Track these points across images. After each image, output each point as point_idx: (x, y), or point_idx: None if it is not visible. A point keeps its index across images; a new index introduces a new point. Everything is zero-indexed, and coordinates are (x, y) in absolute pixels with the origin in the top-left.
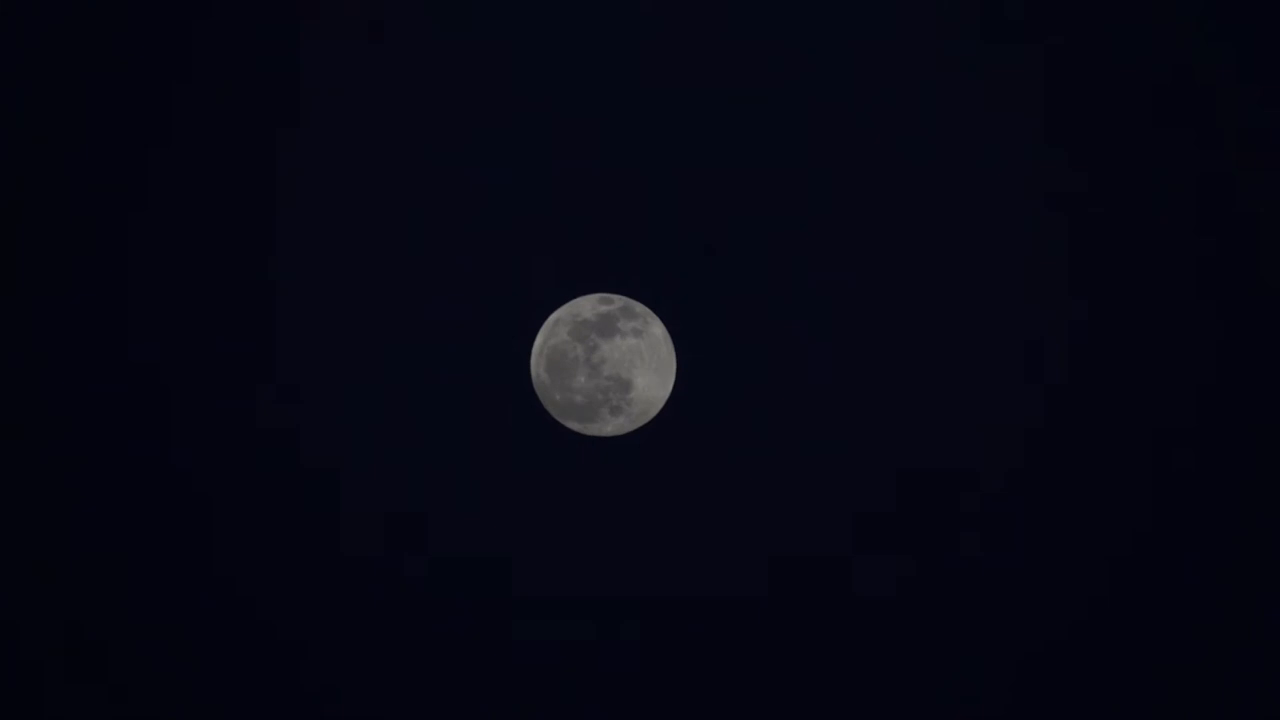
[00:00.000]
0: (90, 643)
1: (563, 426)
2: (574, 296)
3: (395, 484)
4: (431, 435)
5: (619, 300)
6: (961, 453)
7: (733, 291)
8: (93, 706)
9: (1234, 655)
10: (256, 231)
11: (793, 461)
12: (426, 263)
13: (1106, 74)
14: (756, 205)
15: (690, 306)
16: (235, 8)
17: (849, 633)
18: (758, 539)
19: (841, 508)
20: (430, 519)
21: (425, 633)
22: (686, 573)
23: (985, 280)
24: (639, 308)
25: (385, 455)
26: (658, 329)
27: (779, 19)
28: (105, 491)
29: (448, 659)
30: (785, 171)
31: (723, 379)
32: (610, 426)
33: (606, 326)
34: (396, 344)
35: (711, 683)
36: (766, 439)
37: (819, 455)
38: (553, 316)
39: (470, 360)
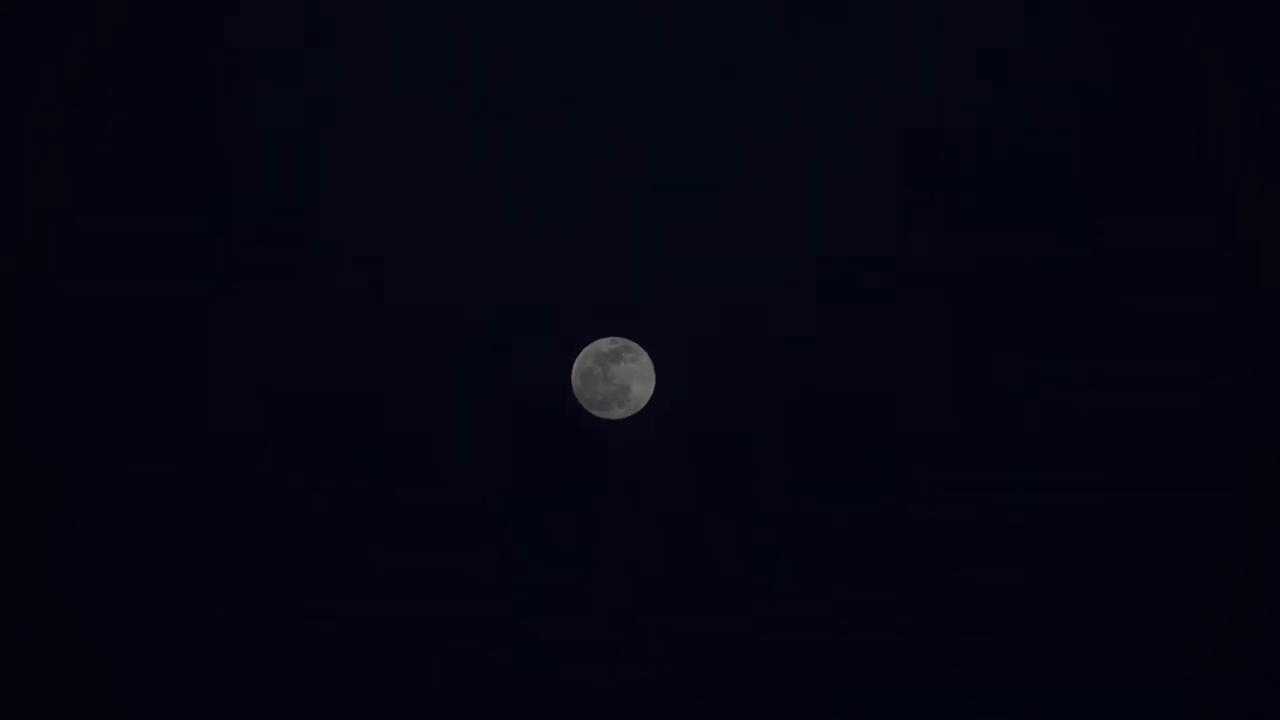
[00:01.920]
0: None
1: (589, 413)
2: (596, 339)
3: (487, 445)
4: (512, 423)
5: (622, 341)
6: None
7: (685, 340)
8: None
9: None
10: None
11: (719, 436)
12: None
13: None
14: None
15: (662, 347)
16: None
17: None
18: (697, 471)
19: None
20: (515, 466)
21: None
22: (658, 492)
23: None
24: (634, 345)
25: (477, 433)
26: (644, 358)
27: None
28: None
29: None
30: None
31: (680, 388)
32: (617, 414)
33: (615, 356)
34: (481, 373)
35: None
36: (707, 424)
37: (731, 435)
38: (584, 350)
39: (529, 378)
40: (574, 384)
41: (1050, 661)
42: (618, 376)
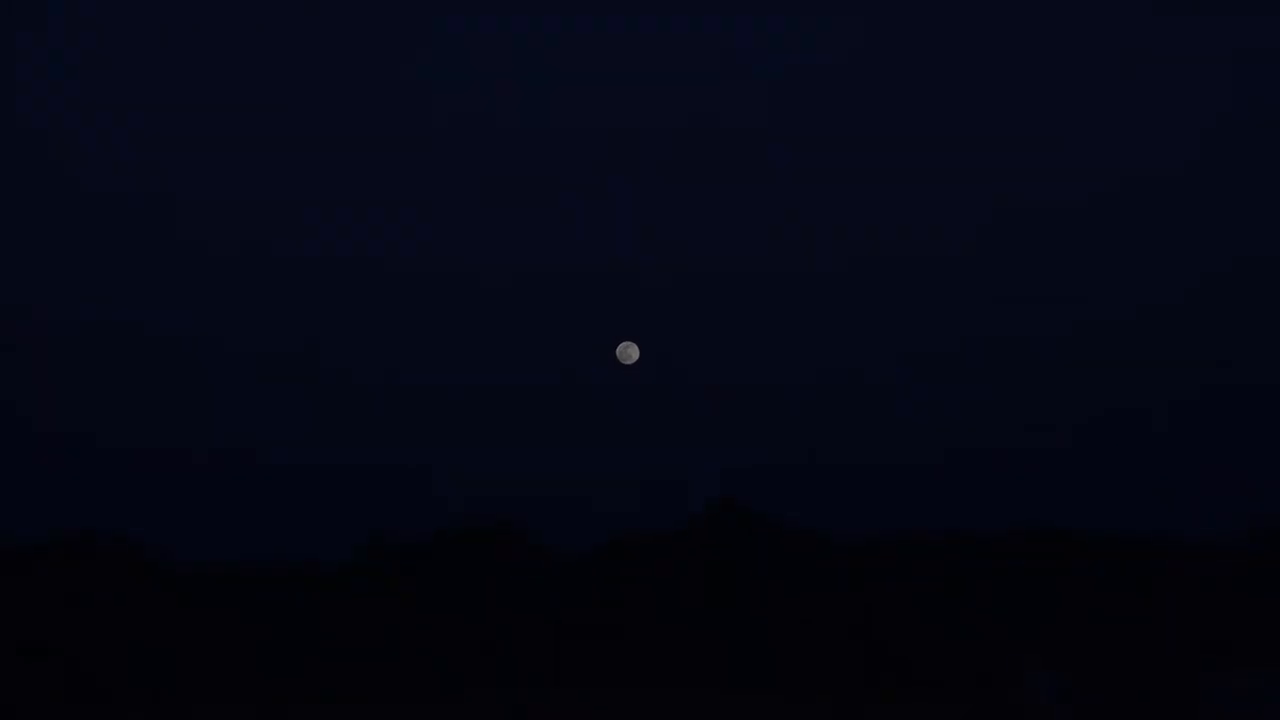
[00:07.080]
0: None
1: (619, 363)
2: (622, 341)
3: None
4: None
5: (632, 344)
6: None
7: (662, 347)
8: None
9: None
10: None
11: (670, 383)
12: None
13: None
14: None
15: (643, 348)
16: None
17: None
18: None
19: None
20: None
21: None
22: (636, 377)
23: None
24: (634, 344)
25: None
26: (636, 347)
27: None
28: None
29: None
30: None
31: (651, 355)
32: (629, 363)
33: (629, 346)
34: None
35: None
36: (670, 375)
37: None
38: (620, 345)
39: (597, 354)
40: (616, 354)
41: None
42: (628, 352)
